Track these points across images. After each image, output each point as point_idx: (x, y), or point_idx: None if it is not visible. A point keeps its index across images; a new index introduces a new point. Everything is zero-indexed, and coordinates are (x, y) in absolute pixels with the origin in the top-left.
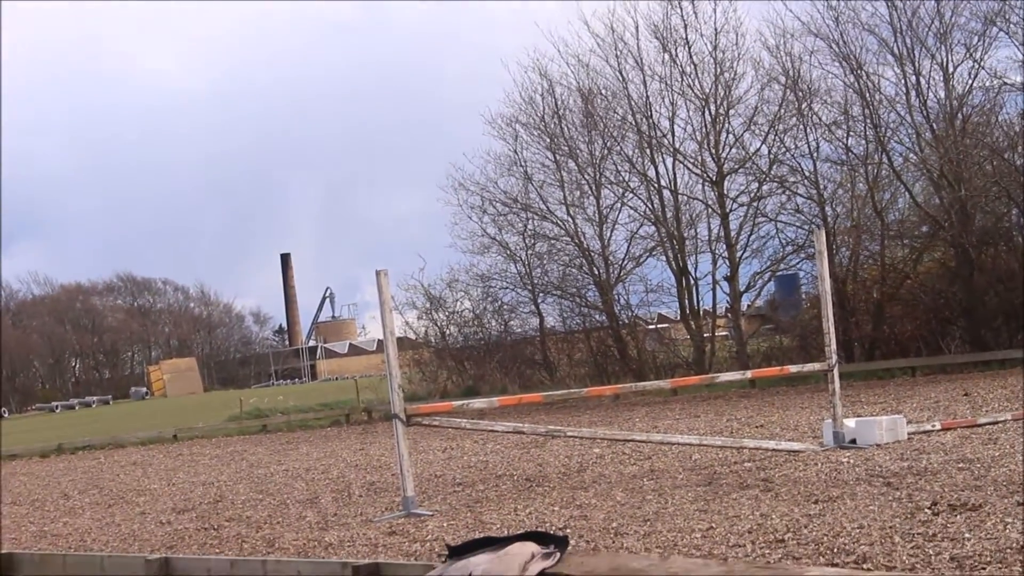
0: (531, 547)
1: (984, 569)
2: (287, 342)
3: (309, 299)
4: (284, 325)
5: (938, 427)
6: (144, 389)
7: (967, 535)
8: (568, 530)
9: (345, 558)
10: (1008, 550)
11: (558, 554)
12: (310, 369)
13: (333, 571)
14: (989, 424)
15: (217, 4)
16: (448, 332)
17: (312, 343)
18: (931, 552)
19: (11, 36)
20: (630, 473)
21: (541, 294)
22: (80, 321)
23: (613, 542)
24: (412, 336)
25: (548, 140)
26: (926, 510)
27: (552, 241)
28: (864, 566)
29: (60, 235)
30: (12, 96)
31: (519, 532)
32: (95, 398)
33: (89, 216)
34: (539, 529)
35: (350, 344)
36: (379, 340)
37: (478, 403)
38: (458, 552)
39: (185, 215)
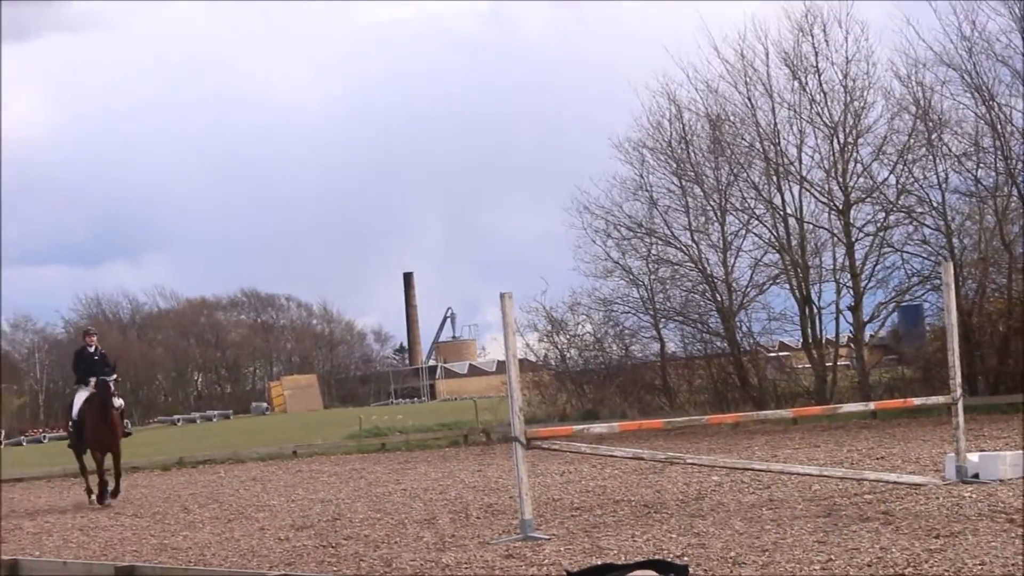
0: None
1: None
2: (407, 361)
3: (430, 317)
4: (405, 344)
5: None
6: (264, 404)
7: None
8: (686, 558)
9: None
10: None
11: None
12: (429, 389)
13: None
14: None
15: (338, 22)
16: (568, 355)
17: (432, 363)
18: None
19: (142, 53)
20: (749, 502)
21: (663, 319)
22: (204, 335)
23: (731, 572)
24: (532, 358)
25: (674, 165)
26: None
27: (675, 267)
28: None
29: (186, 249)
30: (140, 111)
31: (639, 559)
32: (216, 412)
33: (213, 231)
34: (657, 556)
35: (469, 364)
36: (499, 361)
37: (598, 428)
38: None
39: (308, 232)
